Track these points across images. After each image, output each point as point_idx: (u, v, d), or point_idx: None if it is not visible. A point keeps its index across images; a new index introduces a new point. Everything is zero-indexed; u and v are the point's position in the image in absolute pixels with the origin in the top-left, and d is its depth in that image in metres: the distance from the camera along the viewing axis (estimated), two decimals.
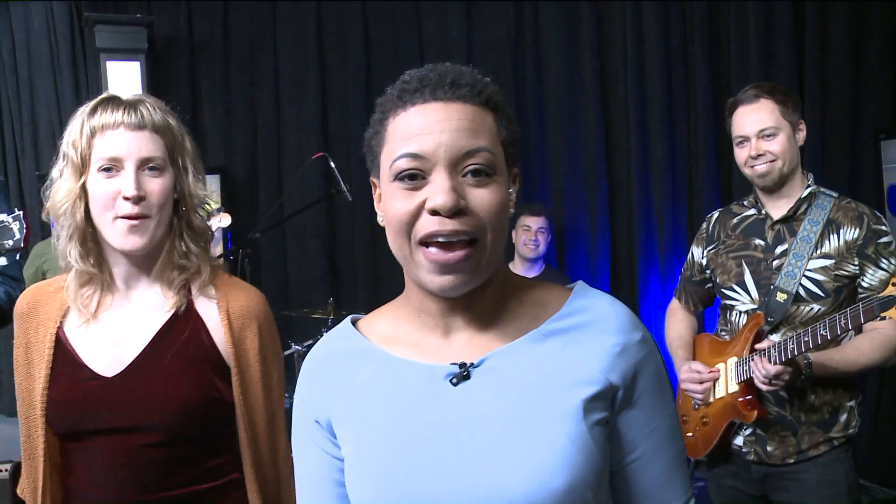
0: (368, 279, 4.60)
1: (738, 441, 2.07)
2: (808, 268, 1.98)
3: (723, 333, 2.17)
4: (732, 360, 2.08)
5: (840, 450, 1.99)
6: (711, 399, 2.13)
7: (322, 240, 4.59)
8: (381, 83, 4.18)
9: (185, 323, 1.34)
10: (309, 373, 1.02)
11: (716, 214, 2.26)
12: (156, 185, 1.28)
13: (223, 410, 1.34)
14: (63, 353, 1.32)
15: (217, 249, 3.89)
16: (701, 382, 2.12)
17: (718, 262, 2.16)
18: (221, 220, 3.62)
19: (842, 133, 4.02)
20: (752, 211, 2.14)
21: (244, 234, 4.00)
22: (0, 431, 3.88)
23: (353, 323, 1.03)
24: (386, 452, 0.91)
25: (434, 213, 0.85)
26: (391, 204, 0.90)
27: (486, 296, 0.95)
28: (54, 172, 1.32)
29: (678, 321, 2.33)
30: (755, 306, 2.06)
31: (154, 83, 4.38)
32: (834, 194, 2.06)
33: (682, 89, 4.40)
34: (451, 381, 0.92)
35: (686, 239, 4.35)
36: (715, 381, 2.12)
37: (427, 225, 0.86)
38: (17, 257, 1.62)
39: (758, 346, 1.98)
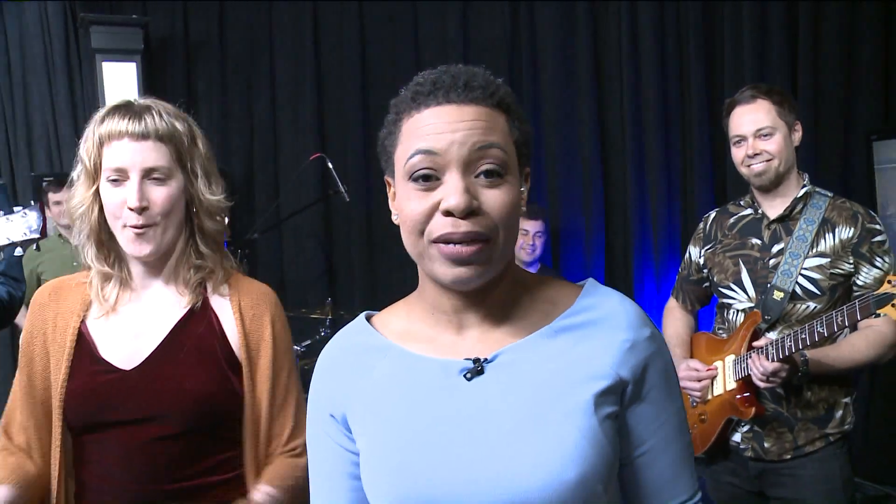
0: (365, 279, 4.62)
1: (736, 438, 2.10)
2: (804, 266, 2.01)
3: (720, 332, 2.20)
4: (730, 358, 2.10)
5: (835, 445, 2.02)
6: (709, 396, 2.15)
7: (319, 240, 4.60)
8: (377, 84, 4.23)
9: (200, 319, 1.37)
10: (324, 368, 1.04)
11: (713, 214, 2.28)
12: (160, 194, 1.31)
13: (235, 403, 1.37)
14: (83, 347, 1.35)
15: None
16: (699, 380, 2.15)
17: (716, 261, 2.19)
18: None
19: (834, 133, 4.06)
20: (749, 211, 2.16)
21: (241, 234, 4.01)
22: None
23: (368, 319, 1.05)
24: (401, 446, 0.93)
25: (448, 213, 0.87)
26: (406, 204, 0.91)
27: (498, 292, 0.97)
28: (74, 174, 1.36)
29: (675, 320, 2.36)
30: (752, 305, 2.08)
31: (150, 84, 4.38)
32: (829, 194, 2.08)
33: (676, 90, 4.43)
34: (464, 376, 0.94)
35: (681, 239, 4.38)
36: (713, 378, 2.14)
37: (441, 226, 0.88)
38: (21, 257, 1.64)
39: (756, 343, 2.00)
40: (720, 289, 2.17)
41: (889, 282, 1.78)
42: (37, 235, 1.55)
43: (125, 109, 1.32)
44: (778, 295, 2.02)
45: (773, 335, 2.01)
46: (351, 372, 1.01)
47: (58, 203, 3.64)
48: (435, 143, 0.88)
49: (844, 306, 1.86)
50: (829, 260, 2.00)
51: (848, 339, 2.00)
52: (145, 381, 1.32)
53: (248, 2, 4.55)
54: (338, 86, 4.63)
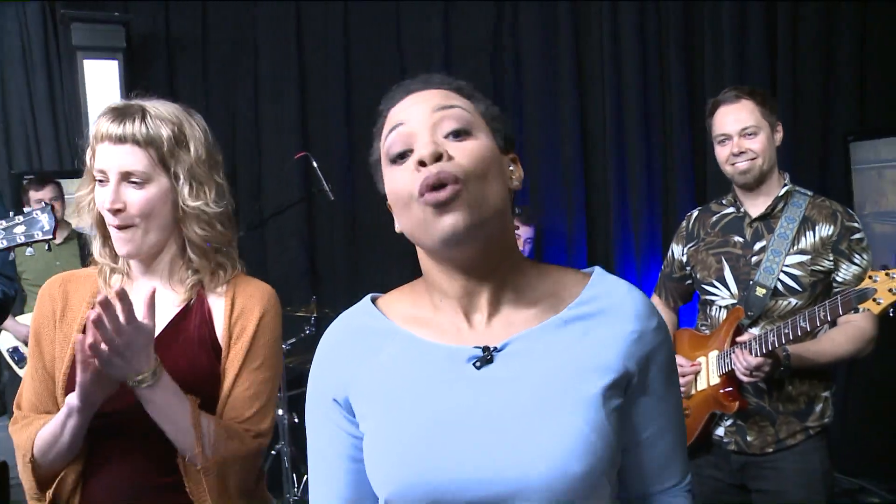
0: (348, 278, 4.62)
1: (720, 432, 2.13)
2: (785, 263, 2.05)
3: (703, 328, 2.24)
4: (713, 354, 2.14)
5: (815, 438, 2.07)
6: (693, 392, 2.19)
7: (302, 239, 4.60)
8: (361, 83, 4.23)
9: (194, 314, 1.40)
10: (328, 348, 1.05)
11: (695, 213, 2.32)
12: (136, 197, 1.32)
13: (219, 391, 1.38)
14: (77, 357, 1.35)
15: None
16: (683, 376, 2.19)
17: (698, 258, 2.22)
18: None
19: (812, 135, 4.14)
20: (731, 209, 2.20)
21: None
22: None
23: (373, 301, 1.06)
24: (407, 432, 0.94)
25: (421, 164, 0.91)
26: (392, 184, 0.96)
27: (503, 275, 0.98)
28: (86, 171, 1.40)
29: None
30: (735, 301, 2.12)
31: (132, 82, 4.35)
32: (809, 193, 2.13)
33: (657, 90, 4.49)
34: (474, 364, 0.95)
35: (662, 238, 4.43)
36: (696, 374, 2.18)
37: (418, 178, 0.91)
38: (11, 257, 1.66)
39: (739, 339, 2.04)
40: (703, 286, 2.21)
41: (870, 276, 1.83)
42: (49, 236, 1.60)
43: (114, 111, 1.33)
44: (760, 291, 2.06)
45: (755, 331, 2.06)
46: (356, 353, 1.01)
47: (39, 201, 3.60)
48: (401, 117, 0.97)
49: (827, 301, 1.90)
50: (809, 257, 2.04)
51: (828, 335, 2.05)
52: None
53: (232, 1, 4.54)
54: (321, 85, 4.63)
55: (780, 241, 2.08)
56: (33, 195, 3.70)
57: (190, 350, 1.37)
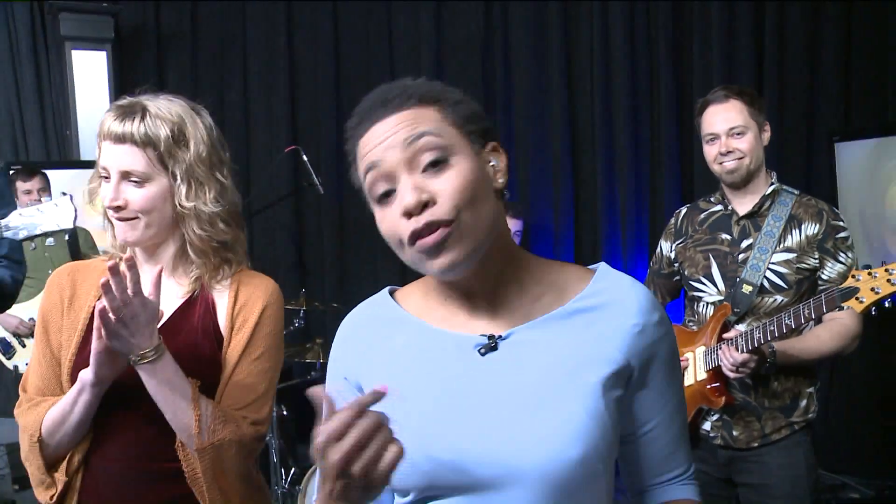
0: (336, 271, 4.63)
1: (706, 426, 2.17)
2: (771, 261, 2.08)
3: (690, 324, 2.27)
4: (700, 350, 2.17)
5: (800, 433, 2.10)
6: None
7: (290, 232, 4.60)
8: (351, 79, 4.24)
9: (197, 306, 1.42)
10: (344, 336, 1.09)
11: (684, 210, 2.35)
12: (135, 195, 1.35)
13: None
14: (94, 324, 1.36)
15: None
16: None
17: (686, 255, 2.25)
18: None
19: (798, 135, 4.19)
20: (719, 207, 2.23)
21: None
22: None
23: (391, 293, 1.10)
24: (410, 415, 0.95)
25: (407, 214, 0.92)
26: (381, 225, 0.97)
27: (499, 273, 1.00)
28: None
29: None
30: (722, 298, 2.15)
31: (120, 74, 4.33)
32: (795, 192, 2.16)
33: (646, 89, 4.53)
34: (479, 351, 0.98)
35: (648, 235, 4.47)
36: (684, 369, 2.21)
37: (406, 227, 0.92)
38: (22, 242, 1.68)
39: (726, 335, 2.07)
40: (690, 282, 2.24)
41: (853, 276, 1.86)
42: (69, 226, 1.62)
43: (118, 109, 1.35)
44: (747, 288, 2.09)
45: (741, 327, 2.09)
46: (370, 341, 1.05)
47: (28, 192, 3.59)
48: (373, 157, 0.94)
49: (811, 299, 1.93)
50: (795, 255, 2.08)
51: (813, 332, 2.09)
52: None
53: None
54: (311, 80, 4.63)
55: (766, 238, 2.11)
56: (21, 186, 3.67)
57: (193, 339, 1.38)
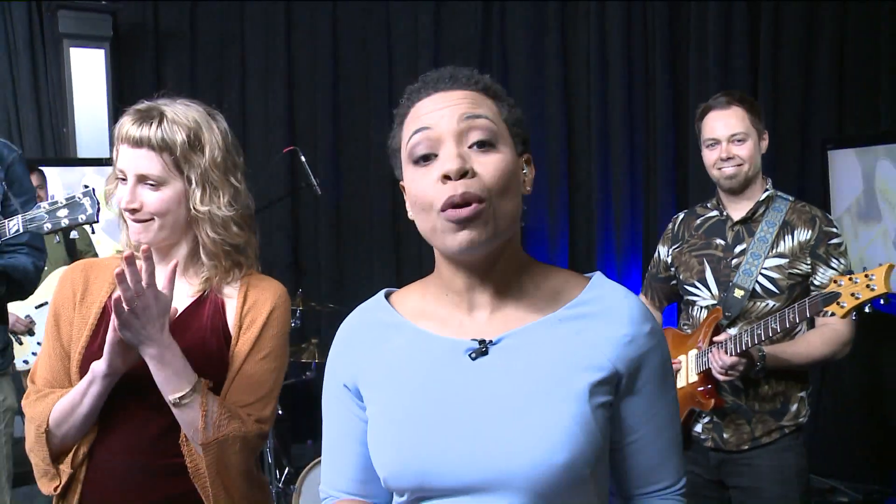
0: (332, 272, 4.65)
1: (697, 428, 2.19)
2: (764, 266, 2.11)
3: (685, 327, 2.30)
4: (692, 352, 2.20)
5: (790, 437, 2.13)
6: None
7: (287, 232, 4.61)
8: (349, 80, 4.24)
9: (207, 306, 1.44)
10: (341, 340, 1.12)
11: (681, 215, 2.38)
12: (151, 199, 1.38)
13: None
14: (105, 319, 1.42)
15: None
16: None
17: (682, 260, 2.28)
18: None
19: (791, 142, 4.22)
20: (715, 213, 2.26)
21: None
22: None
23: (387, 296, 1.11)
24: (403, 419, 0.99)
25: (446, 178, 0.94)
26: (413, 185, 0.98)
27: (505, 273, 1.02)
28: None
29: None
30: (715, 302, 2.18)
31: (118, 72, 4.34)
32: (790, 198, 2.20)
33: (642, 94, 4.55)
34: (469, 355, 1.00)
35: (643, 238, 4.50)
36: (677, 372, 2.24)
37: (442, 192, 0.94)
38: (46, 231, 1.75)
39: (716, 338, 2.10)
40: (685, 286, 2.27)
41: (835, 281, 1.89)
42: (93, 220, 1.67)
43: (136, 114, 1.38)
44: (739, 293, 2.12)
45: (733, 331, 2.11)
46: (366, 345, 1.07)
47: None
48: (428, 121, 0.97)
49: (796, 304, 1.97)
50: (787, 260, 2.11)
51: (804, 336, 2.12)
52: None
53: None
54: (309, 80, 4.64)
55: (759, 244, 2.14)
56: None
57: (201, 336, 1.41)
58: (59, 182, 4.08)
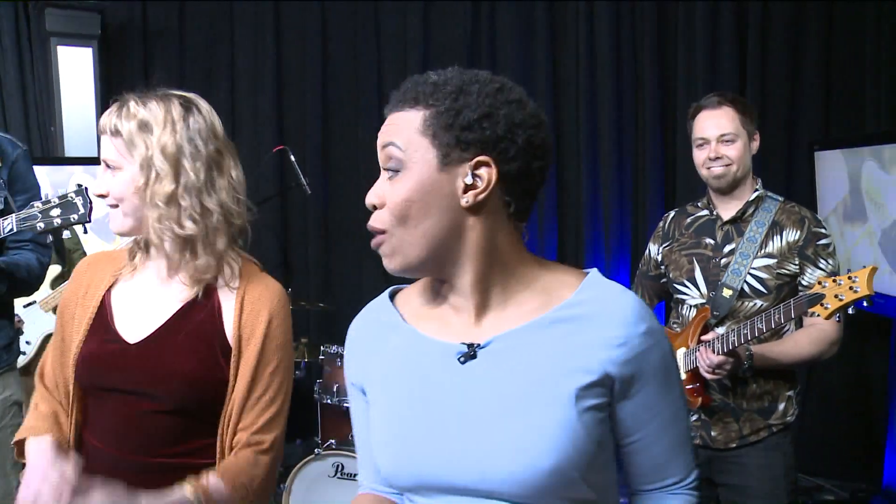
0: (321, 271, 4.64)
1: None
2: (752, 266, 2.12)
3: (674, 326, 2.31)
4: (681, 351, 2.21)
5: (778, 436, 2.14)
6: None
7: (275, 233, 4.60)
8: (338, 79, 4.23)
9: (203, 306, 1.42)
10: (349, 340, 1.15)
11: (672, 214, 2.39)
12: (111, 183, 1.40)
13: (223, 390, 1.40)
14: (102, 316, 1.44)
15: None
16: None
17: (672, 258, 2.29)
18: None
19: (779, 143, 4.25)
20: (705, 212, 2.27)
21: None
22: None
23: (392, 295, 1.12)
24: (400, 419, 1.00)
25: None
26: None
27: (493, 276, 1.01)
28: None
29: None
30: (703, 301, 2.20)
31: (106, 71, 4.32)
32: (779, 198, 2.21)
33: (631, 94, 4.56)
34: (459, 359, 1.00)
35: (631, 237, 4.52)
36: None
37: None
38: (39, 231, 1.74)
39: (703, 337, 2.11)
40: (675, 285, 2.28)
41: (819, 283, 1.91)
42: (85, 220, 1.67)
43: (114, 103, 1.41)
44: (727, 292, 2.13)
45: (721, 330, 2.13)
46: (369, 346, 1.09)
47: None
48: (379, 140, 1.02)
49: (782, 305, 1.98)
50: (776, 261, 2.12)
51: (792, 336, 2.13)
52: (143, 356, 1.39)
53: None
54: (298, 80, 4.63)
55: (748, 244, 2.15)
56: None
57: (192, 344, 1.39)
58: (48, 181, 4.05)
